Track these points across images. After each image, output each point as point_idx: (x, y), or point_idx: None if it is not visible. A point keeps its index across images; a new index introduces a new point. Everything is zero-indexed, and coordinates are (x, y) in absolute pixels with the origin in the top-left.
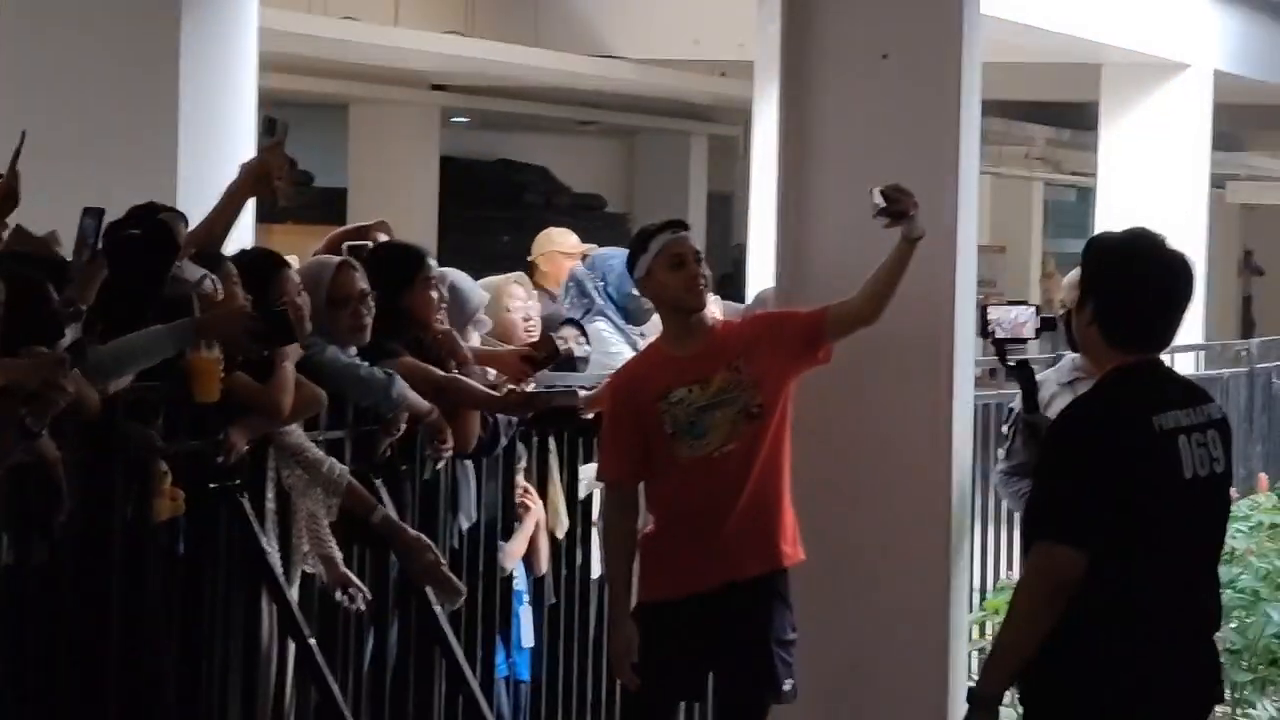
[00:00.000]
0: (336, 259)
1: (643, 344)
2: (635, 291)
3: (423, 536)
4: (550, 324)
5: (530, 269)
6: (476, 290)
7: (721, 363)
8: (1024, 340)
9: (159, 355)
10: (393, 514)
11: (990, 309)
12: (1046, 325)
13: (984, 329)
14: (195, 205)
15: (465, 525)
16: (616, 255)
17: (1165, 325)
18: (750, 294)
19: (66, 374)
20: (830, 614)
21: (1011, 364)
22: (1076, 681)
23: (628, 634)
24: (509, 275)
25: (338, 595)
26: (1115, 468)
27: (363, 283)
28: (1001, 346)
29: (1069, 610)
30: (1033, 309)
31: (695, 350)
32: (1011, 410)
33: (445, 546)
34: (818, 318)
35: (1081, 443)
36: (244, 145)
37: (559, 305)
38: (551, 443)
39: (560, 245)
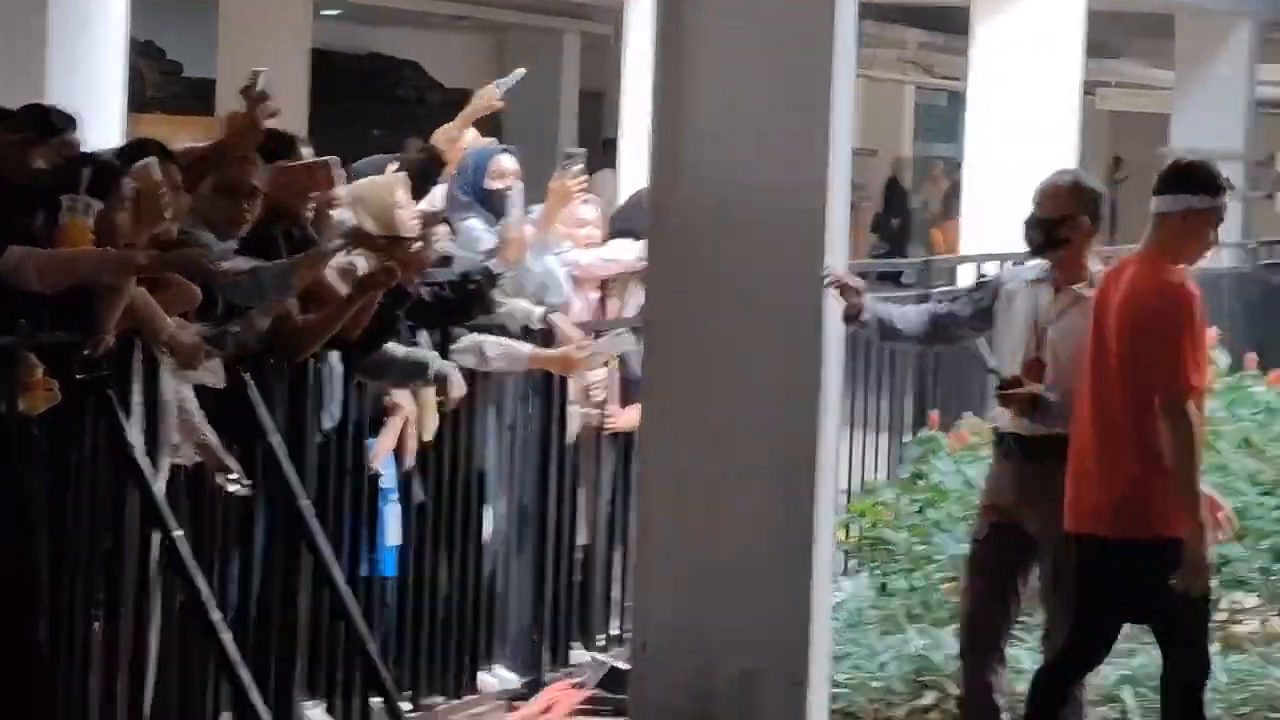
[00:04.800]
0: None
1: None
2: (491, 185)
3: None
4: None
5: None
6: None
7: None
8: None
9: None
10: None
11: None
12: None
13: None
14: (63, 95)
15: (328, 424)
16: (475, 151)
17: None
18: (624, 194)
19: None
20: (695, 513)
21: None
22: None
23: None
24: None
25: (218, 479)
26: None
27: (257, 181)
28: None
29: None
30: None
31: None
32: None
33: (312, 442)
34: None
35: None
36: (114, 31)
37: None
38: (424, 336)
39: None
